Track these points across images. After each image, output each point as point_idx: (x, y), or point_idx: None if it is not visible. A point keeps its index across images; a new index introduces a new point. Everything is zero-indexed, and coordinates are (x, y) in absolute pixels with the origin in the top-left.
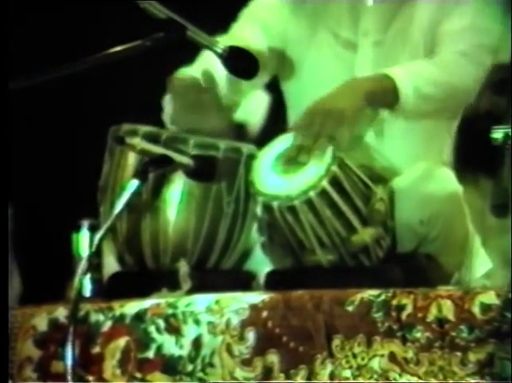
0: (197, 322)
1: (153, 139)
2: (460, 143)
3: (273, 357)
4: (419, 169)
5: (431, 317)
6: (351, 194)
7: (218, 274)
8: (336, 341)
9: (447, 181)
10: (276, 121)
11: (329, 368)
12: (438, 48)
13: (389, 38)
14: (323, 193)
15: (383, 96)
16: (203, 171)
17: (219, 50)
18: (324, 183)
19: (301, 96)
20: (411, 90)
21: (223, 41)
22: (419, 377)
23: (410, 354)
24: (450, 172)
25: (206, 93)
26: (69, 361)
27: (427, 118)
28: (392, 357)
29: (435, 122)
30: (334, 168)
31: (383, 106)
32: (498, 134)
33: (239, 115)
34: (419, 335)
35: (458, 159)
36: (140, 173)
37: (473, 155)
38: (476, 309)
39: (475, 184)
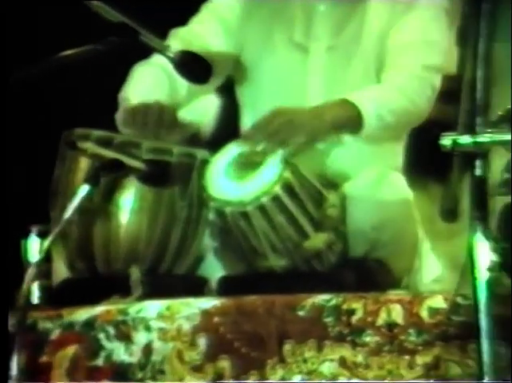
0: (148, 329)
1: (105, 143)
2: (411, 149)
3: (224, 363)
4: (371, 175)
5: (380, 322)
6: (303, 199)
7: (171, 279)
8: (288, 346)
9: (398, 187)
10: (230, 125)
11: (280, 373)
12: (389, 59)
13: (341, 43)
14: (275, 199)
15: (348, 123)
16: (156, 175)
17: (171, 55)
18: (277, 189)
19: (255, 100)
20: (375, 119)
21: (181, 35)
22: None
23: (360, 358)
24: (402, 178)
25: (166, 115)
26: (14, 371)
27: (381, 141)
28: (342, 362)
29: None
30: (287, 174)
31: (345, 132)
32: (446, 141)
33: (190, 118)
34: (368, 339)
35: (409, 166)
36: (91, 178)
37: (423, 161)
38: (424, 313)
39: (425, 190)
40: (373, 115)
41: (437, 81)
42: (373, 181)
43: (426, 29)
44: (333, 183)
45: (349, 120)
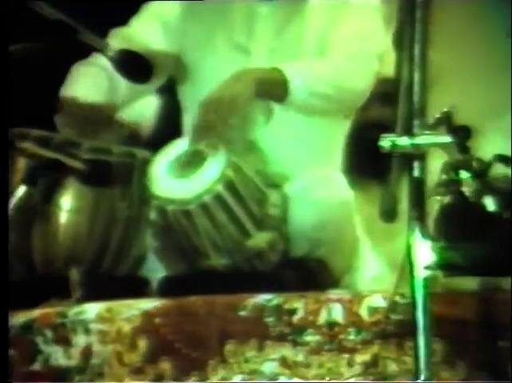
0: (87, 331)
1: (44, 143)
2: (351, 150)
3: (165, 365)
4: (312, 175)
5: (321, 321)
6: (245, 198)
7: (111, 280)
8: (229, 347)
9: (339, 187)
10: (171, 125)
11: (221, 373)
12: (328, 52)
13: (282, 45)
14: (218, 197)
15: (272, 86)
16: (96, 175)
17: (111, 54)
18: (219, 188)
19: (195, 101)
20: (301, 84)
21: (122, 35)
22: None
23: (300, 358)
24: (343, 178)
25: (105, 115)
26: None
27: (320, 116)
28: (283, 361)
29: (327, 129)
30: (229, 173)
31: (273, 98)
32: (385, 142)
33: (131, 117)
34: (309, 338)
35: (349, 166)
36: (29, 178)
37: (363, 162)
38: (364, 312)
39: (365, 190)
40: (300, 81)
41: (375, 65)
42: (314, 181)
43: (366, 24)
44: (275, 183)
45: (274, 83)
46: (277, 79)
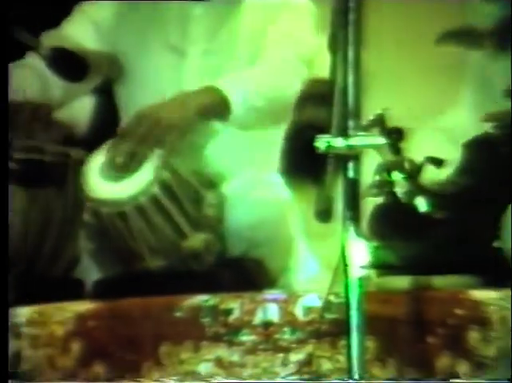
0: (18, 336)
1: None
2: (287, 151)
3: (98, 368)
4: (249, 175)
5: (257, 321)
6: (181, 199)
7: (45, 282)
8: (164, 348)
9: (275, 187)
10: (107, 125)
11: (156, 376)
12: (260, 57)
13: (217, 47)
14: (153, 199)
15: (214, 108)
16: (29, 175)
17: (44, 52)
18: (155, 189)
19: (131, 101)
20: (241, 102)
21: (55, 36)
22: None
23: (236, 358)
24: (278, 179)
25: (39, 114)
26: None
27: (256, 127)
28: (218, 362)
29: (264, 130)
30: (164, 174)
31: (214, 118)
32: (321, 143)
33: (66, 117)
34: (245, 338)
35: (286, 167)
36: None
37: (299, 163)
38: (299, 312)
39: (301, 191)
40: (240, 99)
41: (304, 72)
42: (251, 181)
43: (295, 28)
44: (212, 183)
45: (215, 106)
46: (218, 100)
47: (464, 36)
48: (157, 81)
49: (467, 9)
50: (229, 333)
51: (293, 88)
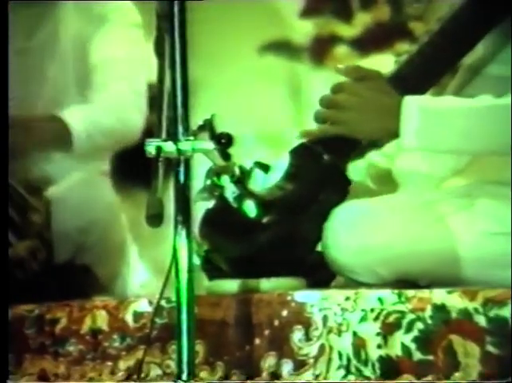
0: None
1: None
2: (117, 154)
3: None
4: (75, 178)
5: (85, 329)
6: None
7: None
8: None
9: (103, 191)
10: None
11: None
12: (95, 77)
13: (35, 46)
14: None
15: (56, 140)
16: None
17: None
18: None
19: None
20: (85, 139)
21: None
22: None
23: (61, 369)
24: (107, 182)
25: None
26: None
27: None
28: (43, 374)
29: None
30: None
31: (54, 149)
32: (151, 147)
33: None
34: (71, 348)
35: (115, 170)
36: None
37: (129, 166)
38: (129, 318)
39: (132, 195)
40: (84, 135)
41: (144, 106)
42: (78, 184)
43: (125, 46)
44: (37, 188)
45: (58, 137)
46: (60, 132)
47: (282, 49)
48: None
49: (285, 25)
50: (55, 344)
51: (133, 123)
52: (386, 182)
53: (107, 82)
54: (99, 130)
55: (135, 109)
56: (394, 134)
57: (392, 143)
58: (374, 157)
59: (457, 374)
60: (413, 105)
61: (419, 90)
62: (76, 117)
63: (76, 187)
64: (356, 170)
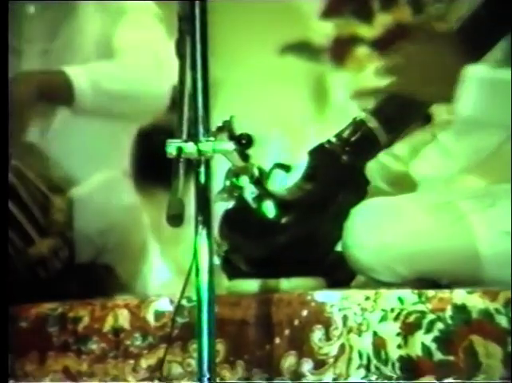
0: None
1: None
2: (138, 155)
3: None
4: (98, 179)
5: (107, 328)
6: (28, 204)
7: None
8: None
9: (125, 192)
10: None
11: None
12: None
13: (56, 47)
14: None
15: (56, 90)
16: None
17: None
18: None
19: None
20: (89, 85)
21: None
22: None
23: (84, 367)
24: (129, 183)
25: None
26: None
27: (114, 118)
28: (66, 371)
29: (114, 133)
30: (10, 178)
31: (58, 102)
32: (171, 148)
33: None
34: (94, 347)
35: (136, 171)
36: None
37: (151, 167)
38: (150, 317)
39: (153, 195)
40: (87, 81)
41: (167, 72)
42: (100, 186)
43: (146, 29)
44: (60, 188)
45: (57, 87)
46: (60, 82)
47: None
48: None
49: (305, 25)
50: (78, 342)
51: (161, 85)
52: (399, 184)
53: (126, 52)
54: (107, 76)
55: (155, 76)
56: (448, 99)
57: (403, 143)
58: (384, 159)
59: (480, 376)
60: (474, 74)
61: None
62: (81, 73)
63: (99, 188)
64: (368, 171)
